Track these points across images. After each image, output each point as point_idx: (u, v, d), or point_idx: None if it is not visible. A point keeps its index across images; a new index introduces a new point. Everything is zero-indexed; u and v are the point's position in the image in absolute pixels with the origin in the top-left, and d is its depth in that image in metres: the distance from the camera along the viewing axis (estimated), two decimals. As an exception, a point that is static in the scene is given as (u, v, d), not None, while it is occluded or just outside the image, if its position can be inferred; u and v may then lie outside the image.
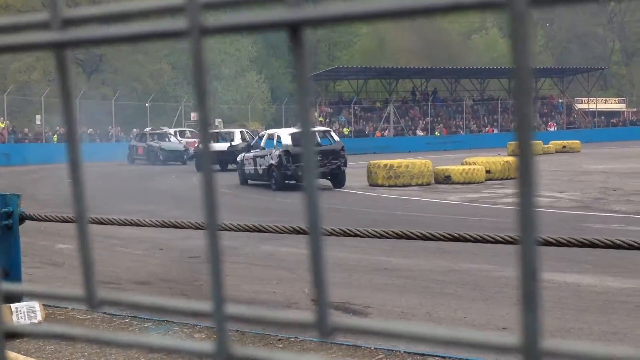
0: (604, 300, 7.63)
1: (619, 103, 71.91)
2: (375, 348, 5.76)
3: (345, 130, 58.89)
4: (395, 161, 24.61)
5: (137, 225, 6.07)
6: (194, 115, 56.08)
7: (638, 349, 0.42)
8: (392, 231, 4.97)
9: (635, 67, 76.49)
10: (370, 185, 24.01)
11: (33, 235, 11.56)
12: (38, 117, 49.81)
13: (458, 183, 23.49)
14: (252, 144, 26.90)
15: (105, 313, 7.12)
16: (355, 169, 31.37)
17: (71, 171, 0.58)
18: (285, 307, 7.67)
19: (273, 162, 23.45)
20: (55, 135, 48.37)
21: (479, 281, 8.60)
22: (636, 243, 4.06)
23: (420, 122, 62.53)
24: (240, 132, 36.08)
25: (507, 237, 4.38)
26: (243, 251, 10.95)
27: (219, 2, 0.50)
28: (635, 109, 71.09)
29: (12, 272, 6.25)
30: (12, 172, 32.72)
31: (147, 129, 44.54)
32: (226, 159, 32.03)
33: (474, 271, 9.17)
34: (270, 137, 25.20)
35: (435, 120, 63.07)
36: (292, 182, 23.05)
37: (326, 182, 22.94)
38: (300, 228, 4.92)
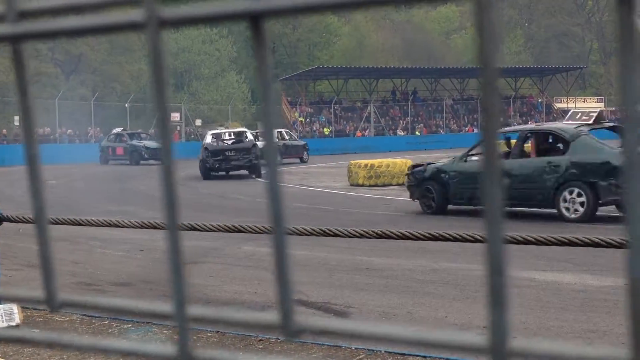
0: (584, 299, 7.66)
1: (597, 102, 72.33)
2: (356, 348, 5.76)
3: (326, 130, 58.90)
4: (376, 161, 24.62)
5: (117, 226, 6.03)
6: (174, 116, 55.95)
7: (608, 348, 0.41)
8: (372, 231, 4.95)
9: (614, 66, 76.67)
10: (351, 185, 24.02)
11: (11, 237, 11.46)
12: (16, 118, 49.45)
13: (439, 182, 23.48)
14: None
15: (84, 315, 7.08)
16: (335, 169, 31.35)
17: (28, 166, 0.56)
18: (266, 308, 7.66)
19: (201, 157, 29.87)
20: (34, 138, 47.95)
21: (460, 280, 8.62)
22: (615, 241, 4.07)
23: (401, 121, 62.64)
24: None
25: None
26: (224, 252, 10.92)
27: (179, -6, 0.49)
28: (613, 108, 71.55)
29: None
30: (-9, 174, 32.46)
31: (118, 129, 44.57)
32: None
33: (454, 270, 9.18)
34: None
35: (416, 119, 63.21)
36: (216, 173, 29.43)
37: (244, 172, 29.40)
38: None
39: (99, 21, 0.50)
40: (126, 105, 52.96)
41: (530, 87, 69.68)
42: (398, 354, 5.59)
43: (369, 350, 5.67)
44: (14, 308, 6.09)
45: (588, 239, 4.22)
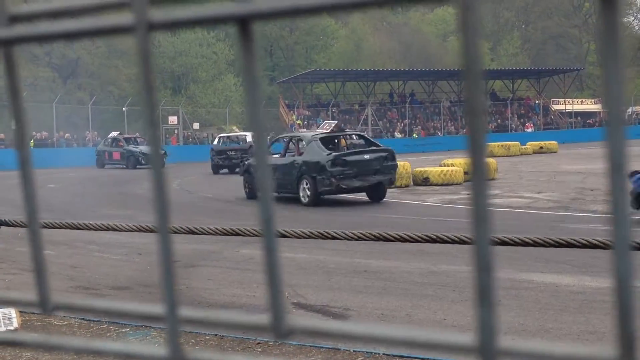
0: (582, 300, 7.66)
1: (595, 104, 72.36)
2: (354, 351, 5.76)
3: (324, 133, 58.81)
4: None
5: (115, 230, 6.02)
6: (172, 120, 55.93)
7: (595, 347, 0.41)
8: (370, 233, 4.95)
9: (611, 67, 76.79)
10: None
11: (10, 241, 11.46)
12: (14, 122, 49.37)
13: (436, 184, 23.52)
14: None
15: (83, 319, 7.08)
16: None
17: (21, 169, 0.56)
18: (264, 311, 7.64)
19: (210, 156, 37.29)
20: (32, 141, 48.02)
21: (459, 282, 8.61)
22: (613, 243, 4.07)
23: (398, 124, 62.63)
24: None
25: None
26: (223, 255, 10.92)
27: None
28: (611, 110, 71.50)
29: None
30: (-11, 178, 32.41)
31: (114, 134, 44.52)
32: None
33: (453, 272, 9.18)
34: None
35: (413, 122, 63.20)
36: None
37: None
38: (279, 231, 4.89)
39: (89, 25, 0.51)
40: (124, 108, 52.92)
41: (528, 89, 69.68)
42: (396, 356, 5.59)
43: (367, 352, 5.67)
44: (12, 312, 6.09)
45: (587, 240, 4.22)
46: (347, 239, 5.11)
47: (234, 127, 54.16)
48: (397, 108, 64.30)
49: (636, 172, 15.95)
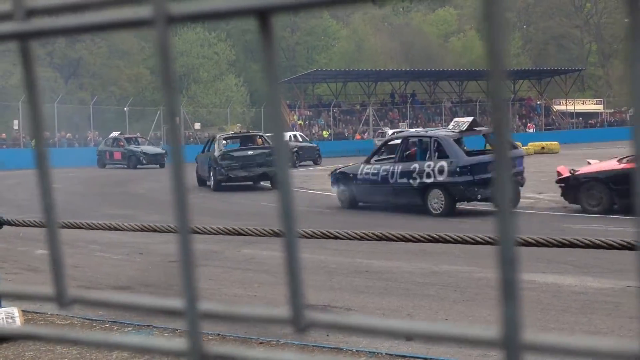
0: (584, 301, 7.66)
1: (596, 104, 72.32)
2: (357, 350, 5.76)
3: (325, 133, 58.87)
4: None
5: (117, 229, 6.02)
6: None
7: (617, 342, 0.41)
8: (372, 233, 4.95)
9: (612, 68, 76.97)
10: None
11: (12, 241, 11.47)
12: (16, 122, 49.44)
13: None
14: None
15: (85, 318, 7.08)
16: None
17: (37, 162, 0.56)
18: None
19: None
20: (34, 140, 47.93)
21: (460, 282, 8.61)
22: (615, 243, 4.07)
23: (400, 124, 62.62)
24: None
25: (487, 238, 4.38)
26: (224, 255, 10.92)
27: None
28: (612, 110, 71.54)
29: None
30: (-10, 178, 32.44)
31: (115, 133, 44.53)
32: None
33: (455, 273, 9.18)
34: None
35: (415, 122, 63.18)
36: None
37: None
38: (279, 230, 4.89)
39: (107, 18, 0.51)
40: (125, 108, 52.93)
41: (529, 89, 69.62)
42: (399, 355, 5.58)
43: (370, 352, 5.67)
44: (15, 311, 6.09)
45: (589, 240, 4.22)
46: (349, 239, 5.11)
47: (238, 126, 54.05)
48: (398, 108, 64.27)
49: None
